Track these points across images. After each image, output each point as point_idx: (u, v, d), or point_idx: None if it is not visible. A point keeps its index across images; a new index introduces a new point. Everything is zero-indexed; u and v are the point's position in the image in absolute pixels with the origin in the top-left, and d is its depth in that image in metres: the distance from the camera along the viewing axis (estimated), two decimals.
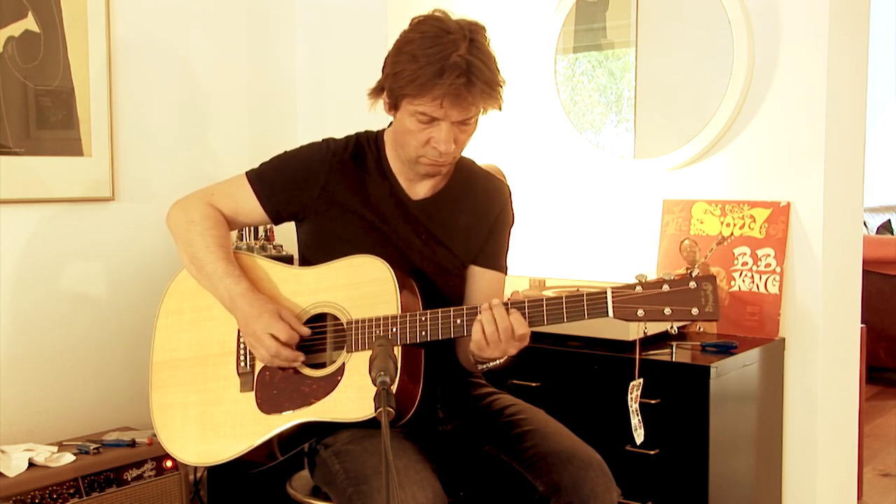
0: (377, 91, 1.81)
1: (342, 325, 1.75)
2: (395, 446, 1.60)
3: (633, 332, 2.30)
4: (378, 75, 1.81)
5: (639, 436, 1.99)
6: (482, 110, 1.75)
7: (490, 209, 1.92)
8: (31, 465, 2.27)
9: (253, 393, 1.78)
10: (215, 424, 1.79)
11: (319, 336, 1.79)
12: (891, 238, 5.87)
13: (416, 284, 1.78)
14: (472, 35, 1.71)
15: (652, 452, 2.23)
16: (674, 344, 2.42)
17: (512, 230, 1.97)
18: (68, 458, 2.31)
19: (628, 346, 2.31)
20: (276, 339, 1.72)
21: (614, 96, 2.92)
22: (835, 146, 2.55)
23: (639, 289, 1.59)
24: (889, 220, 6.55)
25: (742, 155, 2.63)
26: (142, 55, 2.74)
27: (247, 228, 2.71)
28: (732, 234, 2.60)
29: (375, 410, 1.34)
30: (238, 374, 1.81)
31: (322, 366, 1.77)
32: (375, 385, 1.38)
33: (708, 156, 2.68)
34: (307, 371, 1.76)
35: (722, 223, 2.63)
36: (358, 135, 1.93)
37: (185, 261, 1.85)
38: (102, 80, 2.63)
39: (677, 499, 2.25)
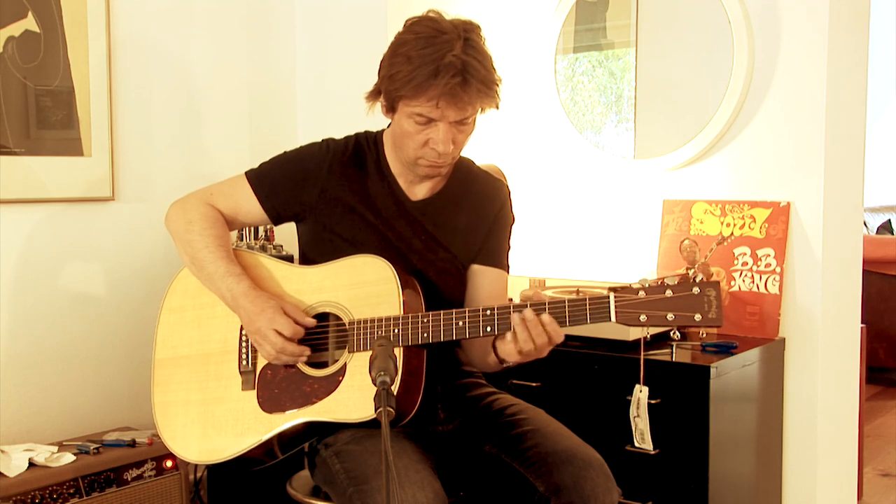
0: (374, 94, 1.81)
1: (344, 324, 1.75)
2: (395, 446, 1.60)
3: (633, 332, 2.31)
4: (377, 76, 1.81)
5: (646, 441, 2.00)
6: (480, 110, 1.75)
7: (489, 209, 1.92)
8: (31, 465, 2.27)
9: (254, 392, 1.78)
10: (217, 423, 1.79)
11: (321, 335, 1.79)
12: (891, 238, 5.87)
13: (419, 285, 1.78)
14: (466, 34, 1.70)
15: (652, 452, 2.22)
16: (674, 344, 2.42)
17: (513, 229, 1.97)
18: (68, 458, 2.31)
19: (628, 346, 2.32)
20: (281, 334, 1.72)
21: (614, 96, 2.92)
22: (835, 146, 2.55)
23: (641, 293, 1.59)
24: (889, 220, 6.55)
25: (742, 155, 2.63)
26: (142, 55, 2.74)
27: (247, 228, 2.71)
28: (732, 234, 2.60)
29: (375, 410, 1.34)
30: (240, 372, 1.81)
31: (324, 365, 1.77)
32: (375, 385, 1.38)
33: (708, 156, 2.68)
34: (309, 370, 1.76)
35: (722, 223, 2.63)
36: (357, 135, 1.93)
37: (186, 261, 1.85)
38: (102, 80, 2.63)
39: (677, 499, 2.25)
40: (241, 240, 2.74)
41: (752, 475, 2.46)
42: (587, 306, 1.61)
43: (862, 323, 2.83)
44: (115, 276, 2.71)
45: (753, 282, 2.57)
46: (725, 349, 2.36)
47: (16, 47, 2.45)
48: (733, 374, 2.32)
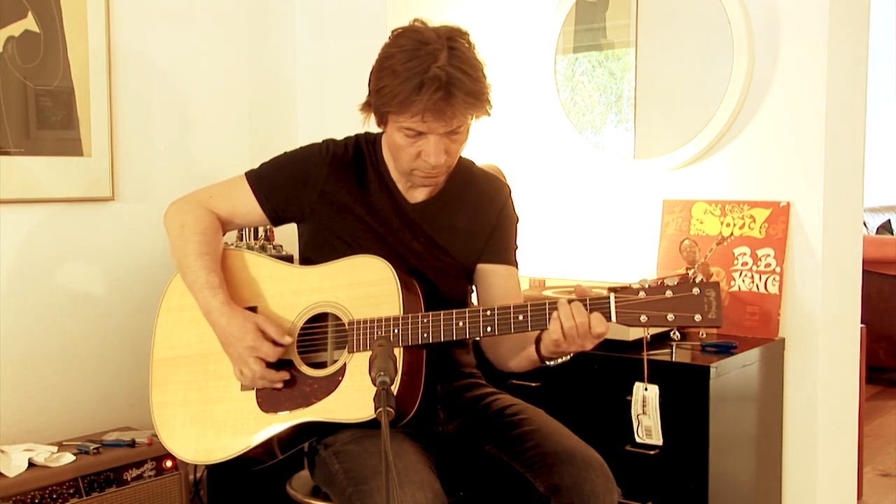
0: (366, 107, 1.81)
1: (343, 324, 1.75)
2: (395, 446, 1.60)
3: (633, 332, 2.31)
4: None
5: (653, 437, 2.00)
6: (472, 117, 1.73)
7: (490, 210, 1.92)
8: (31, 465, 2.27)
9: (253, 392, 1.78)
10: (215, 423, 1.79)
11: (321, 336, 1.79)
12: (891, 238, 5.87)
13: (418, 285, 1.78)
14: (451, 43, 1.68)
15: (652, 452, 2.22)
16: (674, 344, 2.42)
17: (518, 228, 1.97)
18: (68, 458, 2.31)
19: (628, 346, 2.32)
20: (263, 360, 1.71)
21: (614, 96, 2.92)
22: (835, 146, 2.55)
23: (642, 294, 1.59)
24: (889, 220, 6.55)
25: (742, 155, 2.63)
26: (142, 55, 2.74)
27: (247, 228, 2.71)
28: (732, 234, 2.60)
29: (375, 410, 1.34)
30: None
31: (323, 365, 1.77)
32: (375, 385, 1.38)
33: (708, 156, 2.68)
34: (308, 371, 1.76)
35: (722, 223, 2.63)
36: (357, 136, 1.92)
37: (175, 263, 1.86)
38: (102, 81, 2.63)
39: (677, 499, 2.25)
40: (242, 240, 2.74)
41: (752, 475, 2.46)
42: (588, 307, 1.61)
43: (862, 323, 2.83)
44: (115, 276, 2.71)
45: (753, 282, 2.57)
46: (725, 349, 2.36)
47: (16, 47, 2.45)
48: (733, 374, 2.32)
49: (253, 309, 1.82)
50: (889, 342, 4.97)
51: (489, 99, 1.72)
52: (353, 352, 1.72)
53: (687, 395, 2.22)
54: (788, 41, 2.53)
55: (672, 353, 2.35)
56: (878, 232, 6.41)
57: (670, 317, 1.58)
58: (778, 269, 2.54)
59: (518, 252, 1.97)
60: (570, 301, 1.61)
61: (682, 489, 2.24)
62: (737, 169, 2.64)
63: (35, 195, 2.51)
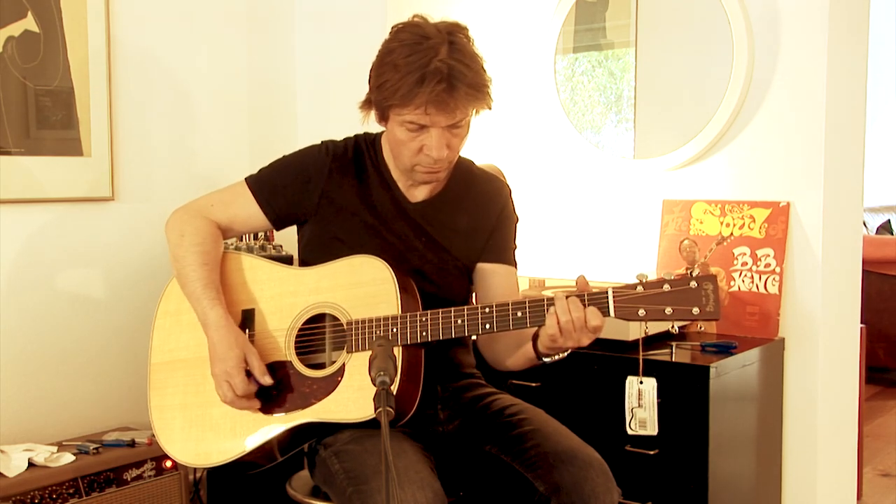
0: (366, 104, 1.81)
1: (342, 325, 1.75)
2: (395, 446, 1.60)
3: (633, 332, 2.31)
4: None
5: (648, 427, 2.00)
6: (473, 111, 1.74)
7: (491, 210, 1.92)
8: (31, 465, 2.27)
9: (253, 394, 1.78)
10: (214, 426, 1.79)
11: (319, 337, 1.79)
12: (891, 238, 5.87)
13: (416, 285, 1.78)
14: (451, 38, 1.69)
15: (652, 452, 2.23)
16: (674, 344, 2.42)
17: (517, 228, 1.97)
18: (68, 458, 2.31)
19: (628, 345, 2.31)
20: (233, 389, 1.72)
21: (614, 96, 2.92)
22: (835, 146, 2.55)
23: (640, 289, 1.59)
24: (889, 220, 6.55)
25: (742, 155, 2.63)
26: (142, 55, 2.74)
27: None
28: (732, 234, 2.60)
29: (375, 410, 1.34)
30: None
31: (322, 366, 1.76)
32: (375, 385, 1.38)
33: (708, 156, 2.68)
34: (307, 371, 1.76)
35: (722, 223, 2.63)
36: (357, 137, 1.92)
37: (174, 272, 1.86)
38: (102, 80, 2.63)
39: (677, 499, 2.25)
40: (241, 240, 2.74)
41: (752, 475, 2.46)
42: (585, 302, 1.61)
43: (862, 323, 2.83)
44: (115, 275, 2.71)
45: (753, 282, 2.57)
46: (725, 349, 2.36)
47: (15, 47, 2.45)
48: (733, 374, 2.32)
49: (250, 312, 1.82)
50: (889, 342, 4.97)
51: (490, 92, 1.73)
52: (351, 352, 1.72)
53: (687, 394, 2.22)
54: (788, 41, 2.53)
55: (672, 352, 2.35)
56: (878, 232, 6.41)
57: (668, 310, 1.57)
58: (778, 269, 2.54)
59: (517, 252, 1.97)
60: (567, 296, 1.61)
61: (682, 489, 2.24)
62: (737, 169, 2.64)
63: (35, 195, 2.51)
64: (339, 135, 1.94)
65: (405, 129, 1.73)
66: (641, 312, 1.58)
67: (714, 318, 1.57)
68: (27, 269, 2.52)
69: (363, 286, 1.74)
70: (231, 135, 3.01)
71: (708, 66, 2.72)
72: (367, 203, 1.85)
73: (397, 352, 1.65)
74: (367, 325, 1.71)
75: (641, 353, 2.16)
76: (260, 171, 1.91)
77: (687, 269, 2.46)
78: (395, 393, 1.57)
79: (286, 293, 1.81)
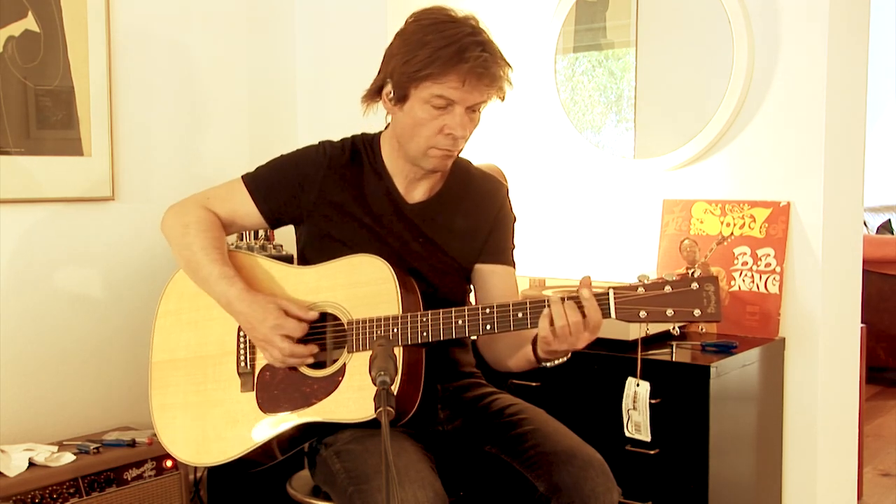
0: (375, 93, 1.80)
1: (342, 324, 1.75)
2: (395, 446, 1.60)
3: (633, 331, 2.31)
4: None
5: (642, 432, 2.00)
6: (488, 99, 1.76)
7: (488, 210, 1.92)
8: (31, 464, 2.27)
9: (253, 393, 1.78)
10: (216, 425, 1.79)
11: (319, 336, 1.79)
12: (891, 238, 5.87)
13: (416, 285, 1.78)
14: (473, 20, 1.74)
15: (652, 452, 2.23)
16: (674, 344, 2.42)
17: (515, 228, 1.97)
18: (68, 457, 2.31)
19: (628, 345, 2.31)
20: (289, 338, 1.71)
21: (614, 96, 2.93)
22: (835, 146, 2.55)
23: (641, 290, 1.59)
24: (889, 220, 6.55)
25: (742, 155, 2.63)
26: (142, 55, 2.74)
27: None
28: (732, 233, 2.60)
29: (375, 410, 1.34)
30: (238, 374, 1.80)
31: (322, 366, 1.76)
32: (375, 385, 1.38)
33: (708, 156, 2.68)
34: (308, 371, 1.76)
35: (722, 223, 2.63)
36: (354, 137, 1.92)
37: (182, 264, 1.85)
38: (102, 80, 2.63)
39: (677, 499, 2.25)
40: (242, 239, 2.74)
41: (752, 475, 2.46)
42: (582, 306, 1.61)
43: (862, 323, 2.83)
44: (116, 275, 2.71)
45: (753, 282, 2.57)
46: (725, 349, 2.36)
47: (16, 47, 2.45)
48: (733, 373, 2.32)
49: None
50: (889, 342, 4.97)
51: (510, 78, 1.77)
52: (352, 351, 1.72)
53: (687, 395, 2.22)
54: (788, 41, 2.53)
55: (672, 352, 2.35)
56: (878, 232, 6.41)
57: (669, 312, 1.57)
58: (778, 269, 2.54)
59: (516, 252, 1.96)
60: (562, 298, 1.61)
61: (682, 489, 2.24)
62: (737, 169, 2.64)
63: (35, 195, 2.51)
64: (339, 135, 1.94)
65: (429, 107, 1.72)
66: (643, 314, 1.58)
67: (715, 320, 1.57)
68: (27, 268, 2.52)
69: (364, 286, 1.74)
70: (231, 134, 3.01)
71: (708, 65, 2.72)
72: (363, 203, 1.85)
73: (398, 351, 1.65)
74: (367, 324, 1.71)
75: (640, 355, 2.16)
76: (257, 169, 1.91)
77: (687, 268, 2.46)
78: (395, 393, 1.57)
79: (286, 292, 1.81)
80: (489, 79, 1.70)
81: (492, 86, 1.72)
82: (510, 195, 1.97)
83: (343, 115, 1.98)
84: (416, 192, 1.88)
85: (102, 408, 2.68)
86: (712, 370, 2.20)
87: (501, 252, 1.92)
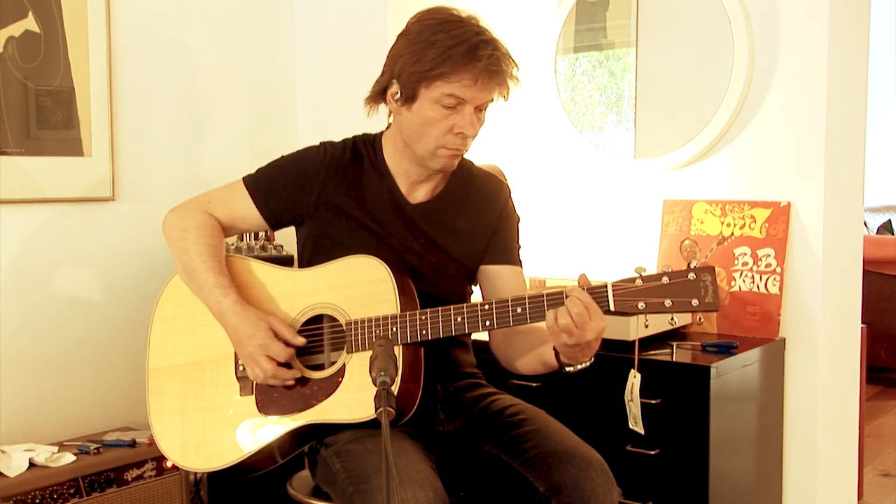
0: (379, 94, 1.80)
1: (340, 326, 1.74)
2: (395, 446, 1.60)
3: (633, 331, 2.30)
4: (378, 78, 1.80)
5: (639, 425, 2.00)
6: (496, 97, 1.76)
7: (490, 211, 1.92)
8: (32, 465, 2.27)
9: (252, 396, 1.77)
10: (215, 429, 1.78)
11: (317, 338, 1.79)
12: (891, 238, 5.87)
13: (413, 285, 1.77)
14: (477, 21, 1.74)
15: (652, 452, 2.23)
16: (674, 344, 2.42)
17: (519, 227, 1.97)
18: (68, 458, 2.31)
19: (629, 345, 2.31)
20: (273, 360, 1.71)
21: (614, 96, 2.92)
22: (835, 146, 2.54)
23: (639, 282, 1.59)
24: (889, 220, 6.55)
25: (742, 155, 2.63)
26: (142, 55, 2.74)
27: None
28: (733, 234, 2.60)
29: (376, 410, 1.34)
30: (237, 377, 1.80)
31: (321, 367, 1.76)
32: (376, 385, 1.38)
33: (708, 156, 2.68)
34: (307, 373, 1.75)
35: (722, 223, 2.63)
36: (355, 138, 1.92)
37: (179, 269, 1.85)
38: (102, 80, 2.63)
39: (677, 499, 2.25)
40: (242, 240, 2.74)
41: (752, 475, 2.46)
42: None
43: (862, 323, 2.83)
44: (116, 276, 2.71)
45: (754, 282, 2.57)
46: (726, 349, 2.36)
47: (16, 47, 2.45)
48: (733, 374, 2.32)
49: None
50: (889, 342, 4.97)
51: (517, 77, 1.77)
52: (351, 352, 1.72)
53: (687, 395, 2.22)
54: (788, 41, 2.53)
55: (672, 353, 2.35)
56: (878, 232, 6.41)
57: (668, 303, 1.57)
58: (778, 269, 2.54)
59: (521, 251, 1.96)
60: (569, 291, 1.60)
61: (682, 489, 2.24)
62: (737, 169, 2.64)
63: (35, 195, 2.51)
64: (339, 135, 1.94)
65: (439, 107, 1.72)
66: (641, 305, 1.58)
67: (713, 310, 1.57)
68: (27, 269, 2.52)
69: (361, 286, 1.74)
70: (231, 135, 3.01)
71: (708, 65, 2.71)
72: (364, 204, 1.85)
73: (397, 351, 1.65)
74: (366, 325, 1.71)
75: (637, 349, 2.15)
76: (258, 170, 1.91)
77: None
78: (395, 393, 1.57)
79: (283, 295, 1.81)
80: (501, 77, 1.71)
81: (504, 84, 1.72)
82: (512, 195, 1.97)
83: (343, 116, 1.98)
84: (418, 193, 1.88)
85: (103, 408, 2.68)
86: (712, 370, 2.20)
87: (507, 252, 1.92)
